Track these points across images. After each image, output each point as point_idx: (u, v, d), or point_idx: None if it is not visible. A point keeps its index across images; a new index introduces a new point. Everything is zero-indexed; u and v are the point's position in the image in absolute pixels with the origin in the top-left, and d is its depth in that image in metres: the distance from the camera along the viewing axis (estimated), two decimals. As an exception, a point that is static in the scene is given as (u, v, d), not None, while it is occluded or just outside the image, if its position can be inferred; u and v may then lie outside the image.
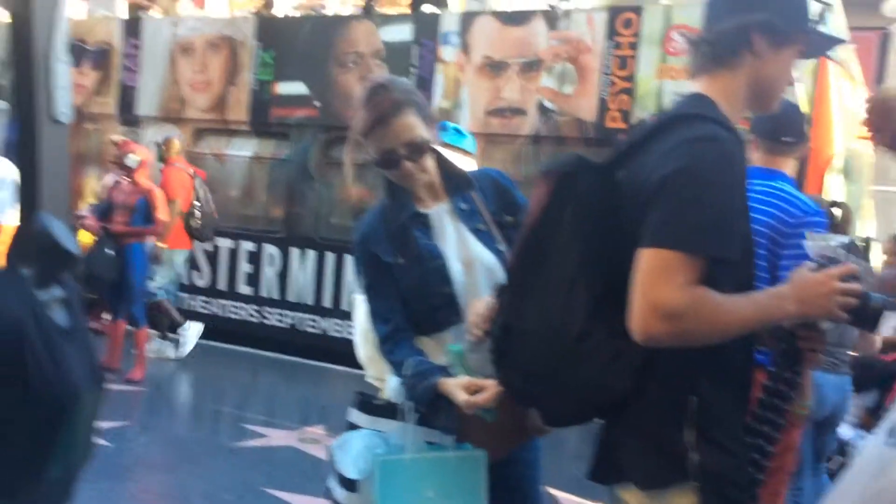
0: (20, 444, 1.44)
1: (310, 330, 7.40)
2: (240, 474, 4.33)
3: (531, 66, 6.51)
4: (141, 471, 3.90)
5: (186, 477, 4.23)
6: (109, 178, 6.58)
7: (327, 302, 7.31)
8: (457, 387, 1.79)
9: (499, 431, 1.88)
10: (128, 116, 8.27)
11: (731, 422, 1.51)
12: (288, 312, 7.52)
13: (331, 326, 7.32)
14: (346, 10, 8.05)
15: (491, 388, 1.75)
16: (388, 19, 7.34)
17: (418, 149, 1.91)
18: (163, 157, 6.77)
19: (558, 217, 1.47)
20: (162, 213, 6.13)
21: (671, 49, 5.99)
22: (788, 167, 2.63)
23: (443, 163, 2.02)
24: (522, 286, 1.53)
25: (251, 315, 7.69)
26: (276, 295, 7.56)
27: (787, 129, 2.59)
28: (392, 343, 1.97)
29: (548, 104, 6.45)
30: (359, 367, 5.33)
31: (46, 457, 1.48)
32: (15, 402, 1.41)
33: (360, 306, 4.27)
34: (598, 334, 1.45)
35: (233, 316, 7.75)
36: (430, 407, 1.85)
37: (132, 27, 8.34)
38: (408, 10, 7.47)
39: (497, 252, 1.98)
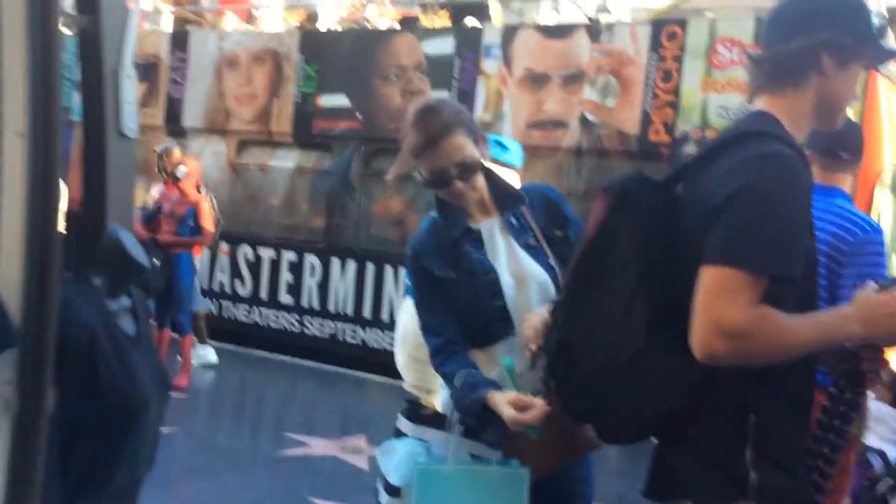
0: (90, 449, 1.48)
1: (350, 340, 7.46)
2: (283, 483, 4.38)
3: (573, 79, 6.51)
4: (189, 478, 3.97)
5: (232, 485, 4.28)
6: (157, 189, 6.71)
7: (367, 312, 7.36)
8: (504, 402, 1.79)
9: (546, 447, 1.88)
10: (174, 128, 8.44)
11: (792, 442, 1.49)
12: (328, 322, 7.59)
13: (370, 337, 7.36)
14: (389, 23, 8.14)
15: (538, 406, 1.75)
16: (430, 33, 7.41)
17: (468, 168, 1.94)
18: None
19: (616, 233, 1.47)
20: (208, 224, 6.23)
21: (716, 62, 5.95)
22: (845, 183, 2.59)
23: (493, 179, 2.05)
24: (579, 302, 1.53)
25: (292, 324, 7.78)
26: (316, 305, 7.64)
27: (845, 145, 2.55)
28: (443, 356, 1.98)
29: (590, 117, 6.44)
30: (398, 376, 5.34)
31: (115, 461, 1.52)
32: (87, 407, 1.45)
33: (402, 314, 4.30)
34: (656, 352, 1.45)
35: (273, 325, 7.84)
36: (477, 419, 1.86)
37: (179, 41, 8.53)
38: (449, 24, 7.53)
39: (548, 267, 1.99)
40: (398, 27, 7.97)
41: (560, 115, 6.57)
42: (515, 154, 4.13)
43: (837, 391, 1.60)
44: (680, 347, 1.42)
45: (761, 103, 1.56)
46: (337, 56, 7.63)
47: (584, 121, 6.46)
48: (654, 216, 1.48)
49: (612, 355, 1.46)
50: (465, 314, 1.97)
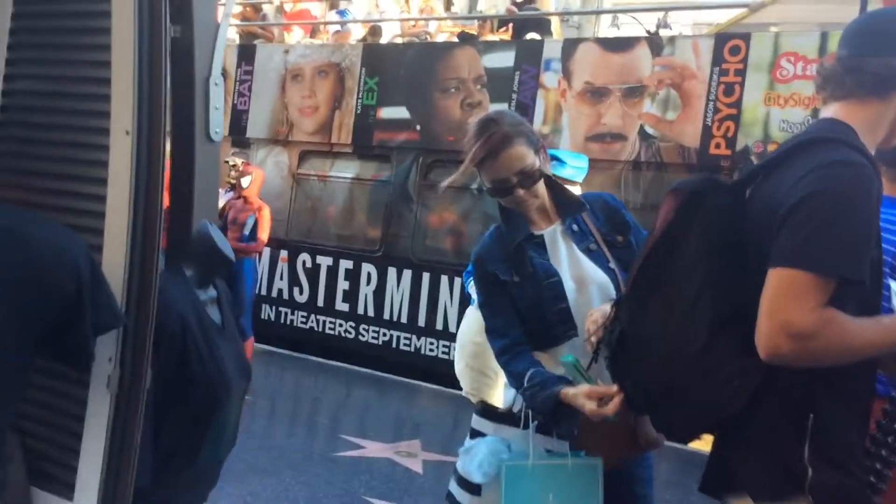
0: (179, 428, 1.58)
1: (404, 347, 7.55)
2: (340, 483, 4.47)
3: (634, 92, 6.51)
4: (250, 476, 4.10)
5: (291, 483, 4.40)
6: (226, 197, 6.94)
7: (422, 321, 7.44)
8: (580, 395, 1.83)
9: (613, 440, 1.93)
10: (239, 138, 8.69)
11: (850, 442, 1.51)
12: (383, 329, 7.70)
13: (424, 345, 7.44)
14: (449, 37, 8.27)
15: (615, 394, 1.78)
16: (490, 46, 7.50)
17: (530, 176, 2.00)
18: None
19: (684, 233, 1.50)
20: (264, 233, 6.42)
21: (779, 76, 5.89)
22: None
23: (554, 186, 2.11)
24: (644, 298, 1.57)
25: (347, 331, 7.91)
26: (371, 312, 7.76)
27: None
28: (509, 355, 2.04)
29: (650, 130, 6.43)
30: (452, 384, 5.39)
31: (200, 440, 1.62)
32: (177, 389, 1.55)
33: (463, 324, 4.37)
34: (719, 350, 1.48)
35: (329, 331, 7.99)
36: (551, 416, 1.91)
37: (246, 53, 8.80)
38: (508, 38, 7.61)
39: (608, 270, 2.03)
40: (458, 41, 8.08)
41: (619, 128, 6.58)
42: (575, 168, 4.17)
43: None
44: (742, 347, 1.45)
45: (834, 110, 1.57)
46: (398, 69, 7.78)
47: (643, 134, 6.46)
48: (723, 218, 1.51)
49: (675, 352, 1.50)
50: (528, 317, 2.03)
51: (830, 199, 1.40)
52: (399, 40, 8.81)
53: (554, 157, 3.89)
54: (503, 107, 7.15)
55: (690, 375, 1.50)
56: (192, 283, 1.65)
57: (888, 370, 1.65)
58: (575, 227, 2.08)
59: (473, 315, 4.34)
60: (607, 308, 1.80)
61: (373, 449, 5.18)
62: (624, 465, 2.06)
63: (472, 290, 4.11)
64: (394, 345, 7.62)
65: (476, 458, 2.01)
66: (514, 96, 7.08)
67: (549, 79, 6.94)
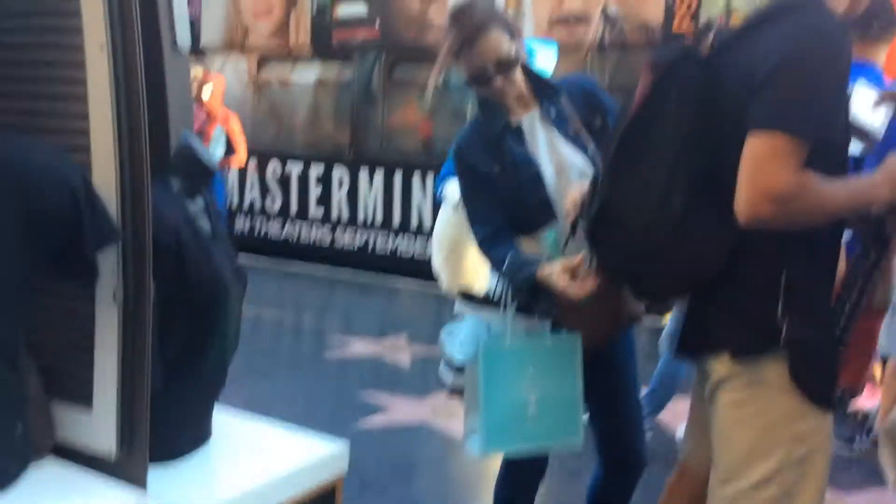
0: (183, 334, 1.65)
1: (380, 248, 7.64)
2: (332, 380, 4.64)
3: (594, -28, 6.40)
4: (247, 378, 4.23)
5: (287, 384, 4.55)
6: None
7: (397, 220, 7.51)
8: (554, 274, 1.91)
9: (594, 319, 2.03)
10: (191, 47, 8.43)
11: (820, 297, 1.60)
12: (359, 232, 7.76)
13: (401, 244, 7.54)
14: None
15: (587, 276, 1.86)
16: (445, -68, 7.25)
17: (507, 64, 2.01)
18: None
19: (661, 105, 1.53)
20: (241, 146, 6.34)
21: (740, -55, 5.81)
22: (880, 55, 2.60)
23: (529, 72, 2.11)
24: (623, 169, 1.59)
25: (323, 236, 7.97)
26: (346, 215, 7.80)
27: (878, 15, 2.56)
28: (491, 242, 2.10)
29: (612, 10, 6.36)
30: (430, 280, 5.50)
31: (205, 344, 1.69)
32: (177, 296, 1.61)
33: (440, 217, 4.45)
34: (696, 215, 1.53)
35: (305, 238, 8.04)
36: (529, 294, 1.99)
37: (191, -43, 8.43)
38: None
39: (587, 155, 2.08)
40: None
41: (582, 10, 6.49)
42: (545, 57, 4.14)
43: (863, 252, 1.71)
44: (719, 211, 1.51)
45: None
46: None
47: (606, 15, 6.39)
48: (698, 88, 1.53)
49: (655, 219, 1.54)
50: (510, 205, 2.08)
51: (805, 63, 1.43)
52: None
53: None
54: (463, -4, 6.98)
55: (670, 240, 1.55)
56: (180, 195, 1.68)
57: (855, 227, 1.74)
58: (553, 111, 2.10)
59: (447, 213, 4.42)
60: (586, 185, 1.86)
61: (360, 346, 5.34)
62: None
63: (445, 194, 4.18)
64: (371, 246, 7.70)
65: (457, 339, 2.09)
66: (474, -16, 6.91)
67: (508, -37, 6.76)
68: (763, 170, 1.43)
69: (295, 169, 7.99)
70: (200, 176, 1.71)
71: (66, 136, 1.44)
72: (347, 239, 7.82)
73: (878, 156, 2.00)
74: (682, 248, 1.54)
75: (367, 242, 7.71)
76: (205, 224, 1.75)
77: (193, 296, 1.63)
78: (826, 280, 1.63)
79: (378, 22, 7.42)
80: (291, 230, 8.12)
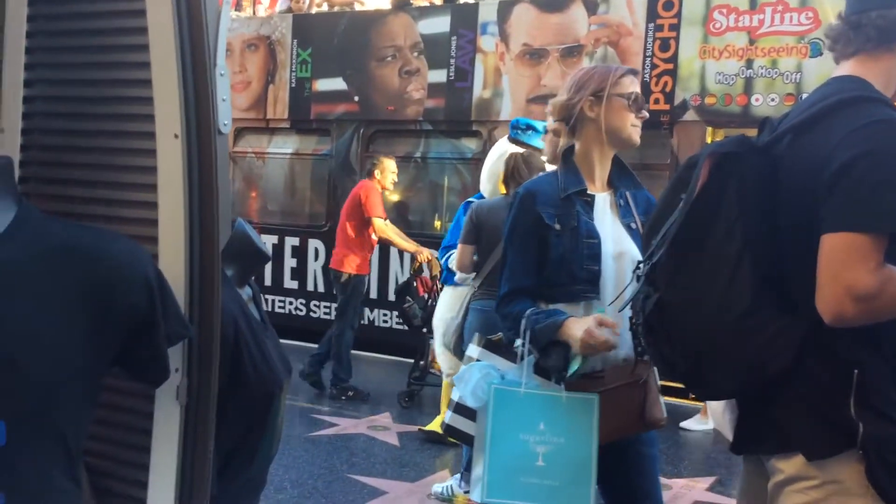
0: (237, 434, 1.56)
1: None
2: (322, 462, 4.48)
3: (571, 52, 6.58)
4: (232, 462, 4.07)
5: (275, 466, 4.36)
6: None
7: (373, 293, 7.43)
8: (581, 325, 1.92)
9: (621, 411, 1.98)
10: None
11: (890, 392, 1.55)
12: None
13: (378, 317, 7.44)
14: (382, 4, 8.13)
15: (612, 325, 1.90)
16: (425, 12, 7.42)
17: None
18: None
19: (721, 195, 1.51)
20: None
21: (713, 29, 6.05)
22: None
23: (615, 158, 2.19)
24: (682, 263, 1.56)
25: (298, 308, 7.82)
26: (321, 288, 7.69)
27: None
28: (515, 297, 2.08)
29: (590, 89, 6.52)
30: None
31: (257, 444, 1.60)
32: (233, 391, 1.52)
33: (441, 300, 4.37)
34: (762, 311, 1.50)
35: (279, 310, 7.88)
36: (545, 345, 1.96)
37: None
38: (441, 2, 7.55)
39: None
40: (391, 8, 7.96)
41: (559, 88, 6.63)
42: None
43: None
44: (785, 307, 1.49)
45: (847, 68, 1.61)
46: (331, 39, 7.62)
47: (584, 93, 6.54)
48: (758, 180, 1.53)
49: (718, 315, 1.51)
50: (556, 268, 2.06)
51: (879, 159, 1.43)
52: (325, 8, 8.60)
53: (530, 127, 3.92)
54: (442, 73, 7.12)
55: (734, 337, 1.51)
56: (233, 284, 1.61)
57: None
58: (622, 201, 2.15)
59: (451, 295, 4.36)
60: (593, 323, 1.92)
61: (347, 426, 5.19)
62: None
63: (451, 264, 4.14)
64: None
65: (469, 383, 2.03)
66: (453, 62, 7.06)
67: (487, 42, 6.94)
68: (845, 269, 1.41)
69: (270, 241, 7.89)
70: (254, 264, 1.65)
71: (132, 226, 1.38)
72: (322, 312, 7.69)
73: None
74: (747, 344, 1.51)
75: (343, 315, 7.58)
76: (255, 312, 1.68)
77: (249, 390, 1.55)
78: (892, 372, 1.57)
79: (356, 96, 7.49)
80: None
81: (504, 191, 3.84)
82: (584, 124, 2.13)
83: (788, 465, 1.56)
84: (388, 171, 5.90)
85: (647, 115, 2.19)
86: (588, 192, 2.12)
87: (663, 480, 3.92)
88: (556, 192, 2.09)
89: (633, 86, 2.14)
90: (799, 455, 1.54)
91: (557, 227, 2.05)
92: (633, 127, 2.12)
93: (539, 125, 3.90)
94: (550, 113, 2.26)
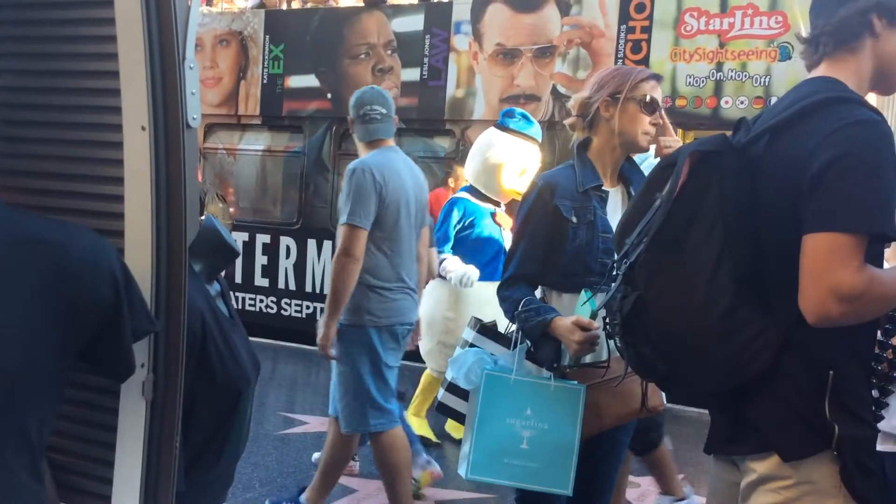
0: (204, 425, 1.55)
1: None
2: (291, 460, 4.45)
3: (544, 53, 6.61)
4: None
5: (244, 465, 4.33)
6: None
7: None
8: (570, 327, 1.98)
9: (622, 400, 2.04)
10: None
11: (863, 393, 1.57)
12: (306, 303, 7.61)
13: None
14: (356, 1, 8.10)
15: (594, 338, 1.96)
16: (399, 10, 7.41)
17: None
18: None
19: (702, 194, 1.50)
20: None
21: (684, 32, 6.11)
22: None
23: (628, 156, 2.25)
24: (662, 263, 1.54)
25: (269, 307, 7.77)
26: (293, 286, 7.64)
27: None
28: (516, 282, 2.15)
29: (562, 89, 6.56)
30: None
31: (225, 436, 1.59)
32: (200, 386, 1.51)
33: (427, 300, 4.33)
34: (741, 313, 1.49)
35: (250, 308, 7.82)
36: (536, 339, 2.04)
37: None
38: (415, 1, 7.54)
39: None
40: (365, 5, 7.94)
41: (532, 88, 6.67)
42: (538, 129, 4.24)
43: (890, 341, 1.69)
44: (764, 308, 1.49)
45: (821, 70, 1.62)
46: (304, 36, 7.58)
47: (556, 94, 6.58)
48: (737, 179, 1.52)
49: (698, 316, 1.49)
50: (570, 258, 2.12)
51: (858, 159, 1.43)
52: (298, 4, 8.55)
53: (524, 116, 3.97)
54: (415, 72, 7.11)
55: (714, 338, 1.50)
56: (202, 279, 1.60)
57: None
58: (633, 195, 2.18)
59: (441, 289, 4.34)
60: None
61: (316, 423, 5.16)
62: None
63: (445, 267, 4.15)
64: (317, 317, 7.53)
65: (463, 366, 2.09)
66: (426, 60, 7.05)
67: (460, 41, 6.94)
68: (829, 270, 1.41)
69: (241, 238, 7.83)
70: (223, 260, 1.64)
71: (98, 219, 1.36)
72: (294, 310, 7.65)
73: None
74: (727, 345, 1.49)
75: (314, 313, 7.55)
76: (223, 308, 1.67)
77: (216, 387, 1.54)
78: (866, 374, 1.59)
79: (329, 93, 7.45)
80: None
81: (502, 182, 4.04)
82: (599, 123, 2.19)
83: (762, 465, 1.56)
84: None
85: (661, 120, 2.23)
86: (604, 186, 2.19)
87: (631, 478, 3.95)
88: (573, 186, 2.15)
89: (652, 90, 2.18)
90: (773, 455, 1.54)
91: (574, 220, 2.11)
92: (644, 133, 2.17)
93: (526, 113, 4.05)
94: (572, 107, 2.31)
